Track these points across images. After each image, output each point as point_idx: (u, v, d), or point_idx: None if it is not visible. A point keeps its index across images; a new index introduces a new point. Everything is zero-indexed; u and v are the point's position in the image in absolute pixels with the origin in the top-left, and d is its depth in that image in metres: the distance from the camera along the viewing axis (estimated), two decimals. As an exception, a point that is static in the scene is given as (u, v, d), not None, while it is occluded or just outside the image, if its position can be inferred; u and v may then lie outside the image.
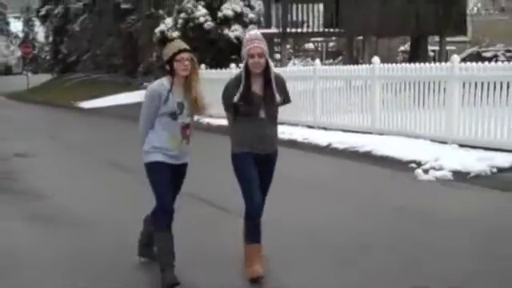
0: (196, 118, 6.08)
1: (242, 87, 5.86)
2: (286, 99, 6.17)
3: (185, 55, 5.67)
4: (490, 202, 9.15)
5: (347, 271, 6.26)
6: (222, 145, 7.48)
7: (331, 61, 33.00)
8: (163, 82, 5.79)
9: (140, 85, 31.39)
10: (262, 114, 5.96)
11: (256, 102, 5.91)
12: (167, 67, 5.75)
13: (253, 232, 6.07)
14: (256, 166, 6.00)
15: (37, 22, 51.44)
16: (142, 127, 5.91)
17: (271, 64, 5.96)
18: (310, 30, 24.45)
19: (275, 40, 24.59)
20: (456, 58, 13.09)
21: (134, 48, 35.50)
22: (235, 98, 5.87)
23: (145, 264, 6.48)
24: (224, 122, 6.46)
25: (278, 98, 5.99)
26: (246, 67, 5.82)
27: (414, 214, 8.30)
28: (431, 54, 28.44)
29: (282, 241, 7.06)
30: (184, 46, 5.76)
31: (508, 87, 11.72)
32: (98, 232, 7.85)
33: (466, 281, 5.88)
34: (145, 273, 6.37)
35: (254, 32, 5.98)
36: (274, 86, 5.94)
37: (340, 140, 14.29)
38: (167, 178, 5.84)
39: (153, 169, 5.82)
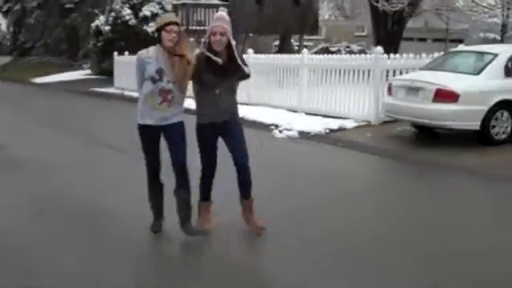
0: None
1: (204, 59, 4.88)
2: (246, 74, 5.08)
3: (174, 27, 4.77)
4: (321, 152, 9.75)
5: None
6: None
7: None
8: (148, 50, 4.94)
9: (79, 66, 30.95)
10: (218, 89, 4.96)
11: (216, 75, 4.90)
12: (155, 35, 4.90)
13: (208, 190, 5.31)
14: (214, 132, 5.11)
15: (0, 16, 49.06)
16: (138, 88, 5.12)
17: (233, 42, 5.00)
18: (207, 27, 24.46)
19: (178, 35, 24.32)
20: (305, 51, 13.57)
21: (76, 37, 34.71)
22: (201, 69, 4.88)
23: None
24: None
25: (245, 68, 5.00)
26: (209, 44, 4.88)
27: (269, 160, 8.76)
28: (296, 48, 28.96)
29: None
30: (175, 19, 4.92)
31: (340, 73, 12.33)
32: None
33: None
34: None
35: (220, 13, 5.17)
36: (238, 59, 4.97)
37: None
38: (150, 139, 5.01)
39: (139, 130, 5.02)
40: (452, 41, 27.61)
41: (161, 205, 5.21)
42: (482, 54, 9.72)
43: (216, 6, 24.66)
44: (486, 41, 26.00)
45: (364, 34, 29.93)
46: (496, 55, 9.30)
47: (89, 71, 28.51)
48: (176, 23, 4.82)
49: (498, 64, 9.16)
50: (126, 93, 18.84)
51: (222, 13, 5.10)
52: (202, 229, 5.17)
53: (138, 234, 5.24)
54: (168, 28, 4.77)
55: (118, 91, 20.32)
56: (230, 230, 5.30)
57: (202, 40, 4.97)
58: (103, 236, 5.26)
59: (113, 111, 16.26)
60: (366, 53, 18.90)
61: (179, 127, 4.99)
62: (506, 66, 9.18)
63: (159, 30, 4.82)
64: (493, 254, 4.71)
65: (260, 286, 4.33)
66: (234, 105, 5.20)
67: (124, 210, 5.92)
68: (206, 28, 24.27)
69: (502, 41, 25.53)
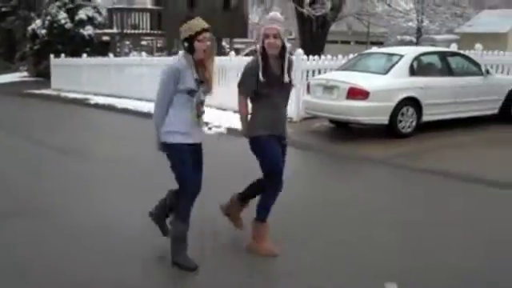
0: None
1: (261, 68, 4.30)
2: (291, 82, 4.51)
3: (207, 35, 4.13)
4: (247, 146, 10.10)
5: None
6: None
7: (160, 53, 33.01)
8: (180, 60, 4.20)
9: (17, 68, 30.20)
10: (278, 97, 4.45)
11: (275, 83, 4.36)
12: (185, 44, 4.15)
13: (268, 210, 4.58)
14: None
15: None
16: (159, 104, 4.21)
17: (287, 45, 4.40)
18: (142, 31, 24.51)
19: (116, 38, 24.28)
20: (232, 53, 14.02)
21: (13, 41, 33.88)
22: (260, 78, 4.29)
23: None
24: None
25: (289, 79, 4.43)
26: (263, 49, 4.32)
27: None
28: (227, 50, 29.31)
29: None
30: (206, 25, 4.17)
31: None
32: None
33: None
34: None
35: (273, 13, 4.49)
36: (288, 67, 4.43)
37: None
38: (189, 159, 4.26)
39: (178, 151, 4.21)
40: (373, 43, 28.63)
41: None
42: (390, 55, 10.32)
43: (150, 10, 24.77)
44: (403, 43, 27.11)
45: (292, 37, 30.49)
46: (402, 56, 9.91)
47: (26, 73, 27.93)
48: (208, 29, 4.18)
49: (404, 64, 9.76)
50: (63, 94, 18.83)
51: (276, 13, 4.49)
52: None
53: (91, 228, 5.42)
54: (201, 37, 4.13)
55: (55, 92, 20.13)
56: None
57: (254, 46, 4.37)
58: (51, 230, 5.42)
59: (51, 111, 16.15)
60: (291, 54, 19.38)
61: (201, 146, 4.43)
62: (411, 66, 9.80)
63: (190, 39, 4.13)
64: (383, 223, 5.18)
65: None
66: (286, 117, 4.69)
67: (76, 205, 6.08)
68: (141, 31, 24.24)
69: (417, 43, 26.70)
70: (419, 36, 27.42)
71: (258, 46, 4.35)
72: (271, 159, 4.45)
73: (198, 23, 4.15)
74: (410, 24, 26.21)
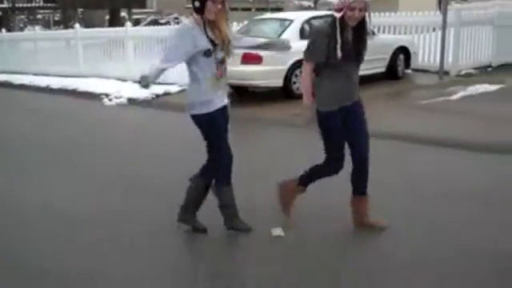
0: None
1: (339, 39, 3.95)
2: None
3: None
4: (145, 115, 10.30)
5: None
6: None
7: (57, 27, 31.95)
8: (191, 22, 4.06)
9: None
10: (352, 68, 4.14)
11: (350, 56, 4.03)
12: (196, 4, 3.94)
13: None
14: (343, 118, 4.17)
15: None
16: (164, 59, 4.02)
17: (367, 19, 4.05)
18: (35, 4, 23.64)
19: (9, 12, 23.32)
20: (129, 24, 13.87)
21: None
22: (338, 52, 3.95)
23: None
24: None
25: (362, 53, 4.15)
26: (342, 18, 3.94)
27: (97, 124, 9.17)
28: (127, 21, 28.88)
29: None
30: None
31: (162, 42, 12.77)
32: None
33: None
34: None
35: None
36: (367, 33, 4.12)
37: (56, 82, 14.19)
38: (222, 128, 4.22)
39: (210, 119, 4.11)
40: (273, 9, 29.12)
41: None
42: (281, 20, 10.71)
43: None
44: (302, 8, 27.78)
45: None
46: (292, 21, 10.33)
47: None
48: None
49: (294, 28, 10.18)
50: None
51: None
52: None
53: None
54: None
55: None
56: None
57: (332, 13, 4.03)
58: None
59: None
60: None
61: (228, 109, 4.29)
62: (301, 30, 10.23)
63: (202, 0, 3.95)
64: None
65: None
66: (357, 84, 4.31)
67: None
68: (34, 5, 23.21)
69: (315, 8, 27.44)
70: (316, 1, 28.19)
71: (338, 15, 3.94)
72: (335, 144, 4.20)
73: None
74: (307, -11, 26.91)
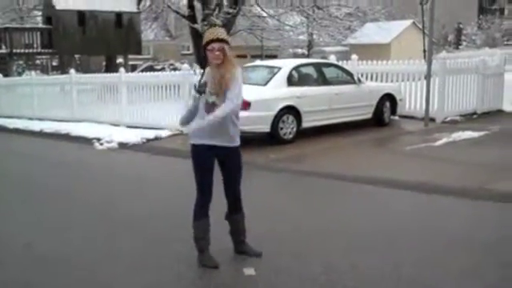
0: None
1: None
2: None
3: (215, 45, 4.28)
4: (135, 159, 10.46)
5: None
6: None
7: (55, 72, 32.44)
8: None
9: None
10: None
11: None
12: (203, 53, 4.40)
13: None
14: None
15: None
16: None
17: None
18: (34, 50, 24.09)
19: (7, 58, 23.78)
20: (122, 70, 14.19)
21: None
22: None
23: None
24: None
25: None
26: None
27: (89, 168, 9.34)
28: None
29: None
30: (216, 35, 4.32)
31: (154, 88, 13.09)
32: None
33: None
34: None
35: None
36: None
37: (50, 126, 14.40)
38: (205, 165, 4.49)
39: (192, 151, 4.52)
40: (268, 56, 29.67)
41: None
42: (270, 67, 11.04)
43: (40, 29, 24.43)
44: (296, 55, 28.34)
45: (190, 52, 30.97)
46: (280, 68, 10.65)
47: None
48: (217, 40, 4.31)
49: (282, 75, 10.49)
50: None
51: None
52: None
53: None
54: (209, 47, 4.32)
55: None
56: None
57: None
58: None
59: None
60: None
61: (231, 153, 4.65)
62: (289, 77, 10.55)
63: (204, 48, 4.35)
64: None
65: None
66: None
67: None
68: (33, 51, 23.74)
69: (308, 55, 28.00)
70: (310, 48, 28.77)
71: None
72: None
73: (209, 34, 4.38)
74: (301, 37, 27.47)
